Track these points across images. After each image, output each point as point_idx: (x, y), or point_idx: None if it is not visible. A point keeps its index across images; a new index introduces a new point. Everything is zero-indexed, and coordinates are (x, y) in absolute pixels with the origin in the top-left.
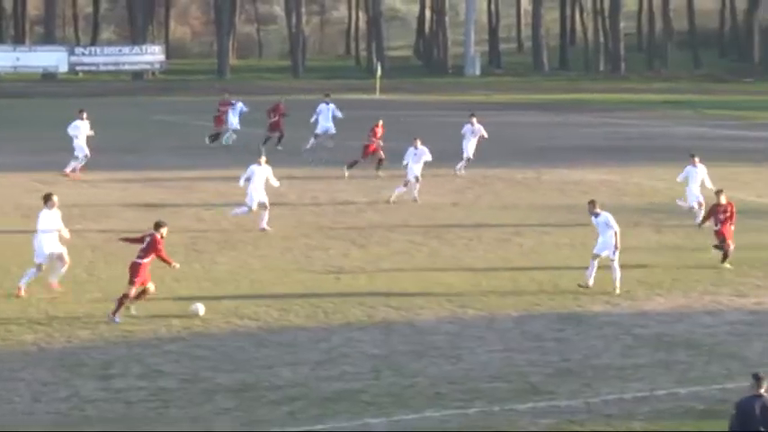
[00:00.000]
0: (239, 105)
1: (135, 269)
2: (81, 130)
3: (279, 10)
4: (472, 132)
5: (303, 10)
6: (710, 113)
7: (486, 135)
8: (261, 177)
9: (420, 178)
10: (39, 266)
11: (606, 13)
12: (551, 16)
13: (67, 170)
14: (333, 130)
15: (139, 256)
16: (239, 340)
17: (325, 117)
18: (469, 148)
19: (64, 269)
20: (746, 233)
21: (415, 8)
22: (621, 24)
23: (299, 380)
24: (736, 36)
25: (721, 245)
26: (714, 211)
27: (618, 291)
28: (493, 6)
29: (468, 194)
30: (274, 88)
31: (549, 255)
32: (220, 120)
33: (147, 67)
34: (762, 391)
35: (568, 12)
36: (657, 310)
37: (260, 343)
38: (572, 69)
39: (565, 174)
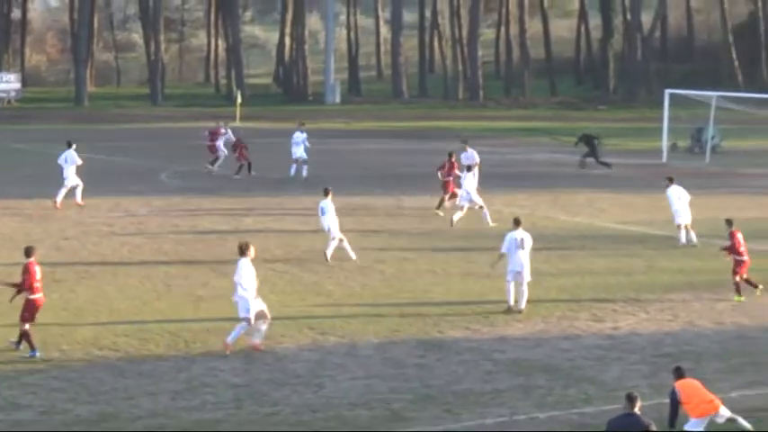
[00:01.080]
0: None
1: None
2: None
3: (137, 38)
4: (467, 159)
5: (162, 37)
6: (567, 140)
7: (478, 161)
8: None
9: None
10: (249, 321)
11: (464, 42)
12: (410, 44)
13: None
14: (304, 156)
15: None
16: (98, 371)
17: (296, 143)
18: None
19: (265, 327)
20: (604, 258)
21: (275, 36)
22: (479, 52)
23: (159, 410)
24: (592, 64)
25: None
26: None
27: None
28: (352, 35)
29: None
30: (132, 116)
31: (410, 281)
32: (214, 147)
33: (3, 95)
34: (635, 410)
35: (427, 40)
36: (516, 336)
37: (119, 373)
38: (431, 97)
39: (425, 201)
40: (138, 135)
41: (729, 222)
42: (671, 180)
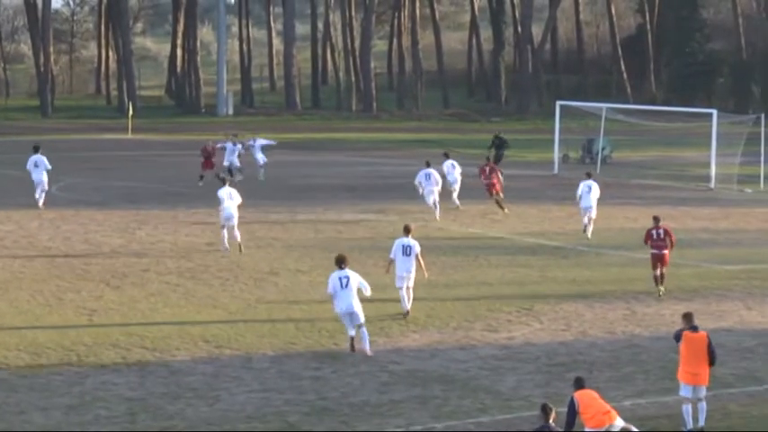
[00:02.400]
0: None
1: None
2: None
3: (26, 49)
4: (453, 167)
5: (51, 49)
6: (460, 152)
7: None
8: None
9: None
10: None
11: (357, 53)
12: (303, 56)
13: None
14: (237, 164)
15: None
16: None
17: (231, 151)
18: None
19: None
20: (497, 268)
21: (167, 48)
22: (372, 64)
23: (52, 425)
24: (484, 76)
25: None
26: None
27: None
28: (245, 46)
29: None
30: (22, 128)
31: (305, 294)
32: (209, 164)
33: None
34: (550, 421)
35: (320, 51)
36: (412, 347)
37: (11, 388)
38: (325, 108)
39: (320, 212)
40: (27, 147)
41: (656, 219)
42: (589, 174)
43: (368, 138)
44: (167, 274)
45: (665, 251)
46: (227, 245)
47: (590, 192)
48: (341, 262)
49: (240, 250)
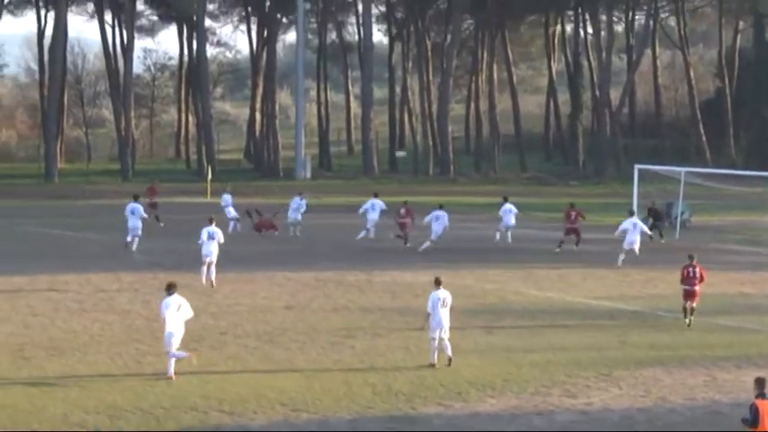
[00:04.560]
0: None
1: None
2: None
3: (107, 113)
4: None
5: (132, 113)
6: (537, 216)
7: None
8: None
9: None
10: None
11: (434, 117)
12: (381, 119)
13: None
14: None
15: None
16: None
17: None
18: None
19: None
20: (575, 333)
21: (246, 112)
22: (450, 128)
23: None
24: (561, 140)
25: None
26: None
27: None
28: (323, 110)
29: (300, 297)
30: (102, 192)
31: (382, 357)
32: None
33: None
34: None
35: (397, 115)
36: (490, 412)
37: None
38: (402, 172)
39: (396, 276)
40: (108, 211)
41: (691, 257)
42: (506, 199)
43: (444, 201)
44: (245, 336)
45: (697, 287)
46: (204, 280)
47: (511, 212)
48: (438, 282)
49: (212, 286)
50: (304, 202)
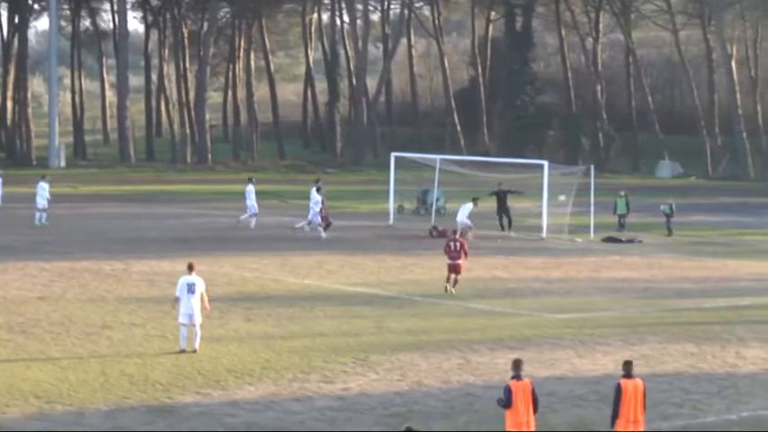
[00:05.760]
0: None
1: None
2: None
3: None
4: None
5: None
6: (295, 203)
7: None
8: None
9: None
10: None
11: (192, 105)
12: (137, 108)
13: None
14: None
15: None
16: None
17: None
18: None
19: None
20: (333, 319)
21: None
22: (207, 116)
23: None
24: (319, 128)
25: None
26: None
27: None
28: (77, 98)
29: (55, 288)
30: None
31: (139, 347)
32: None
33: None
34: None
35: (154, 103)
36: (248, 399)
37: None
38: (159, 161)
39: (154, 265)
40: None
41: (455, 231)
42: (250, 179)
43: (203, 189)
44: None
45: (460, 261)
46: None
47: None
48: (190, 268)
49: None
50: (47, 185)
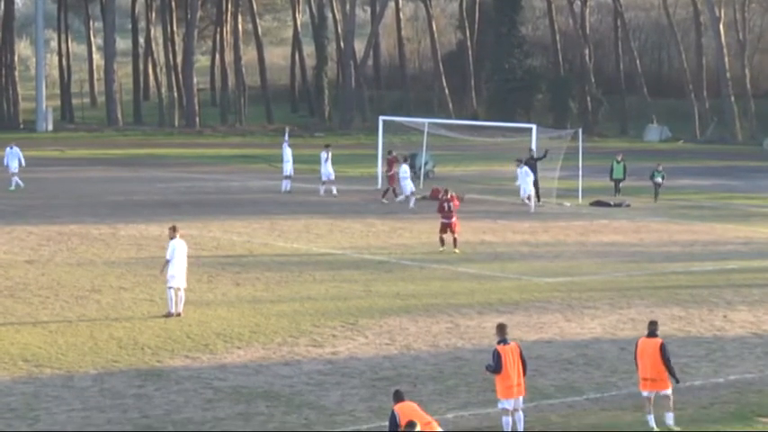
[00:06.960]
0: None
1: None
2: None
3: None
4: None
5: None
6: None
7: None
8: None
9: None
10: None
11: (179, 68)
12: (124, 71)
13: None
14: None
15: None
16: None
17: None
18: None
19: None
20: (322, 284)
21: None
22: (195, 79)
23: None
24: (307, 92)
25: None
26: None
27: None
28: (64, 61)
29: (44, 251)
30: None
31: (128, 311)
32: (393, 178)
33: None
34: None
35: (141, 67)
36: (236, 363)
37: None
38: (147, 124)
39: (142, 229)
40: None
41: (446, 191)
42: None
43: (190, 153)
44: None
45: (453, 219)
46: None
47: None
48: (173, 229)
49: None
50: (16, 150)
